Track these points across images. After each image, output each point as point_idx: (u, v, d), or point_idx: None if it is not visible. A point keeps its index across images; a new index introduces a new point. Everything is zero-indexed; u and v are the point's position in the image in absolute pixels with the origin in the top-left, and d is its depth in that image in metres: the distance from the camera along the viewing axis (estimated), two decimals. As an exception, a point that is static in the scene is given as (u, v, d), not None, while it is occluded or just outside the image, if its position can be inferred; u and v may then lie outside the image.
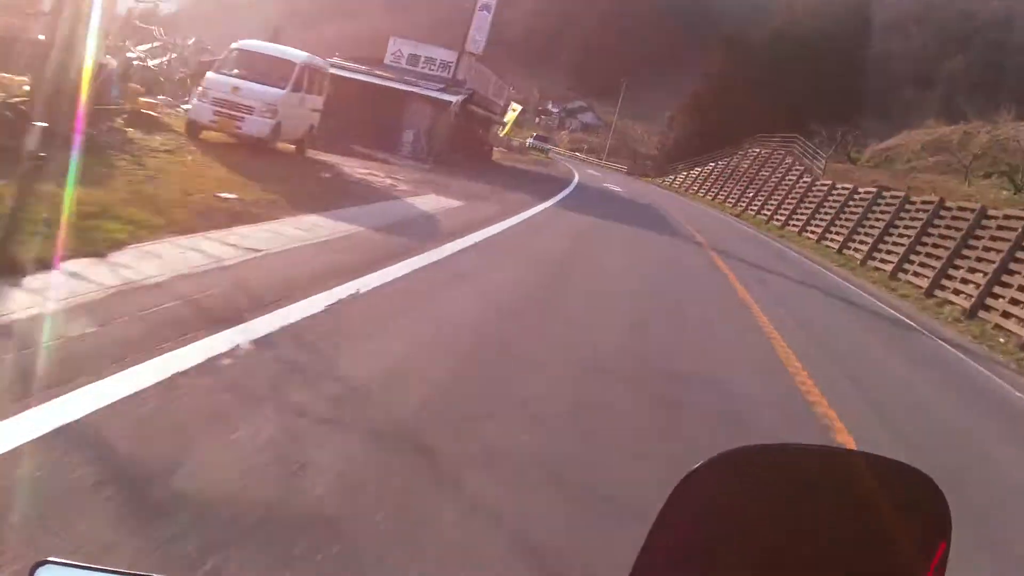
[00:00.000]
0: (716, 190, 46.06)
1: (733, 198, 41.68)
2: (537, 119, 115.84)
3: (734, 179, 44.48)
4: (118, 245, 5.73)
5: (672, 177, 57.84)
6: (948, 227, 18.21)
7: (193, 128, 13.55)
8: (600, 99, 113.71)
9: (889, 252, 20.66)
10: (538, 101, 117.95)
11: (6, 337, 3.80)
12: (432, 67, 23.79)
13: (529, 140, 61.36)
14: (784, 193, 33.88)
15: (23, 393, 3.19)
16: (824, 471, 0.79)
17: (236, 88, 13.35)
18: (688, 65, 76.82)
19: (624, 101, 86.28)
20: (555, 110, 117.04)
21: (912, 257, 19.08)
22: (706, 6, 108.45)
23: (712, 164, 51.12)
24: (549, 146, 63.24)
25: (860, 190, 26.14)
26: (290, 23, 37.65)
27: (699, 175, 52.33)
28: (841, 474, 0.79)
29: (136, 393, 3.42)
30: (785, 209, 32.45)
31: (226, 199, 8.70)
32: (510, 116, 34.38)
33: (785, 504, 0.77)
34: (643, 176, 64.44)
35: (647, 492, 3.01)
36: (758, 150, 44.52)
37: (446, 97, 21.18)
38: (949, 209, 19.01)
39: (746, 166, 44.04)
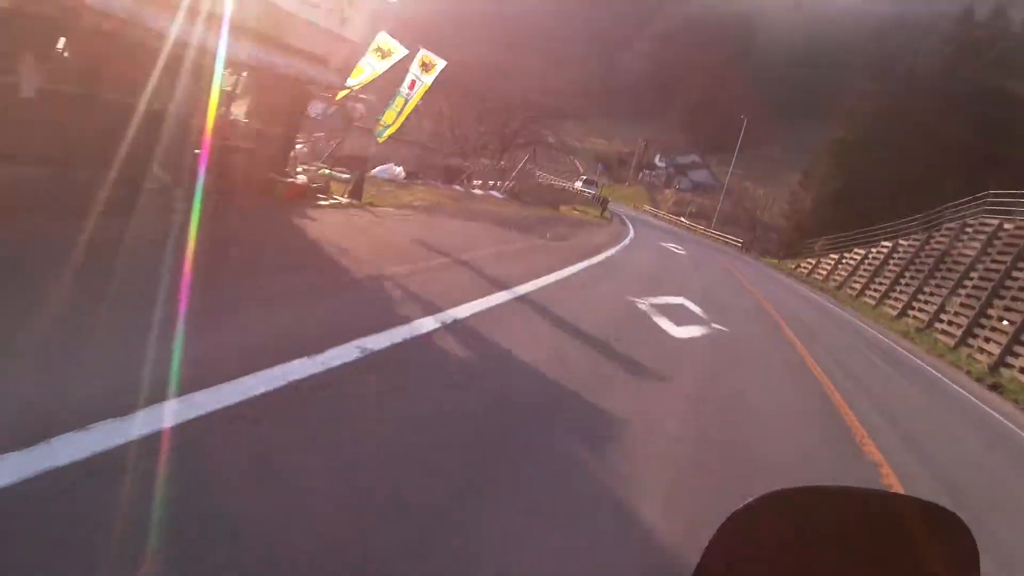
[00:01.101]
0: (906, 293, 24.25)
1: (956, 319, 19.87)
2: (640, 173, 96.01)
3: (947, 277, 22.69)
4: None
5: (812, 262, 36.07)
6: None
7: None
8: (716, 155, 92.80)
9: None
10: (643, 151, 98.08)
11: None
12: None
13: (578, 183, 42.66)
14: None
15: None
16: (859, 512, 0.81)
17: None
18: (821, 118, 57.21)
19: (744, 160, 65.89)
20: (662, 164, 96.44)
21: None
22: (841, 57, 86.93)
23: (887, 244, 29.40)
24: (594, 190, 45.85)
25: None
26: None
27: (863, 261, 30.49)
28: (876, 514, 0.81)
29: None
30: None
31: None
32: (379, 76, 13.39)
33: (823, 543, 0.79)
34: (763, 256, 43.24)
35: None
36: (995, 223, 22.72)
37: None
38: None
39: (974, 253, 22.27)
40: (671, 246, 27.25)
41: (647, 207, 78.11)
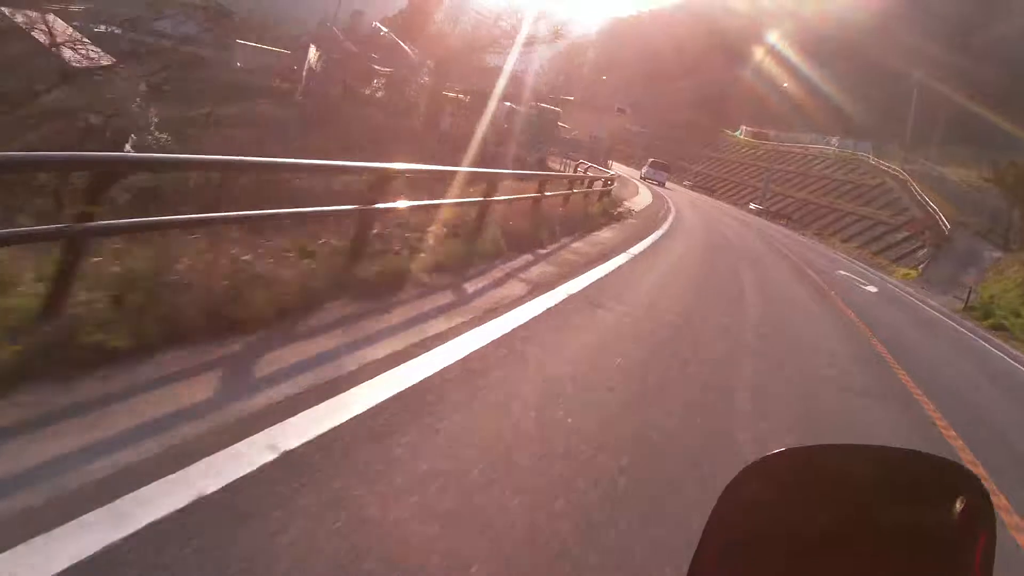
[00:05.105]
0: None
1: None
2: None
3: None
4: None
5: None
6: None
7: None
8: None
9: None
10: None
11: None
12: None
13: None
14: None
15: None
16: (867, 469, 0.81)
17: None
18: None
19: None
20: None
21: None
22: None
23: None
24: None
25: None
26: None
27: None
28: (883, 472, 0.81)
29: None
30: None
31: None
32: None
33: (828, 502, 0.79)
34: None
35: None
36: None
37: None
38: None
39: None
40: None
41: None
